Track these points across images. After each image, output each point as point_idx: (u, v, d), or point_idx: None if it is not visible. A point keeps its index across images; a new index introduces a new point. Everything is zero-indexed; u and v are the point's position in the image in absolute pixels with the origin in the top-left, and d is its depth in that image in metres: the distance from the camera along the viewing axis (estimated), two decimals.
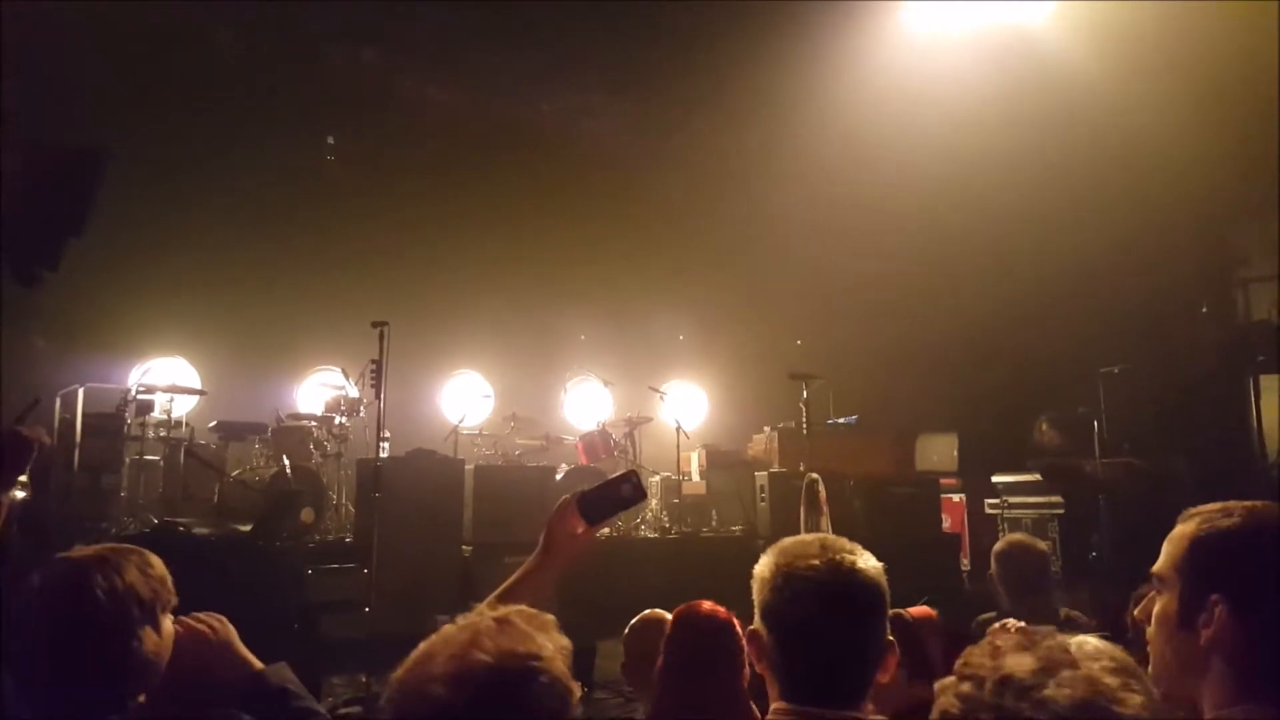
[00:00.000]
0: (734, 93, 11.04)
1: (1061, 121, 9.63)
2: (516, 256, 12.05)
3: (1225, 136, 8.60)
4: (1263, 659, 1.64)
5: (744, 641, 2.15)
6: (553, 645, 1.35)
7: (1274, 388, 8.79)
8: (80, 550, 1.99)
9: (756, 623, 1.87)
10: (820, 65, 10.26)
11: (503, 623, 1.34)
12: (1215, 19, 8.13)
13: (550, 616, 1.42)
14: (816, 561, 1.80)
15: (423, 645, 1.33)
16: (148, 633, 1.93)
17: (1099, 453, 9.44)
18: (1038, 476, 9.45)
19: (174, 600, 2.03)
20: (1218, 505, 1.81)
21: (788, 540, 1.91)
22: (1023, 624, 2.60)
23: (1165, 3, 8.33)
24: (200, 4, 9.91)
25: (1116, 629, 3.20)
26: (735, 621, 2.52)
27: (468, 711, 1.24)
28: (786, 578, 1.81)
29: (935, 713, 1.05)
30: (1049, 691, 1.00)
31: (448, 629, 1.35)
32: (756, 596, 1.88)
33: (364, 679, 6.30)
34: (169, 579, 2.04)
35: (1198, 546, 1.77)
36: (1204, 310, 10.01)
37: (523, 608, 1.41)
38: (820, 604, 1.77)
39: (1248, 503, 1.79)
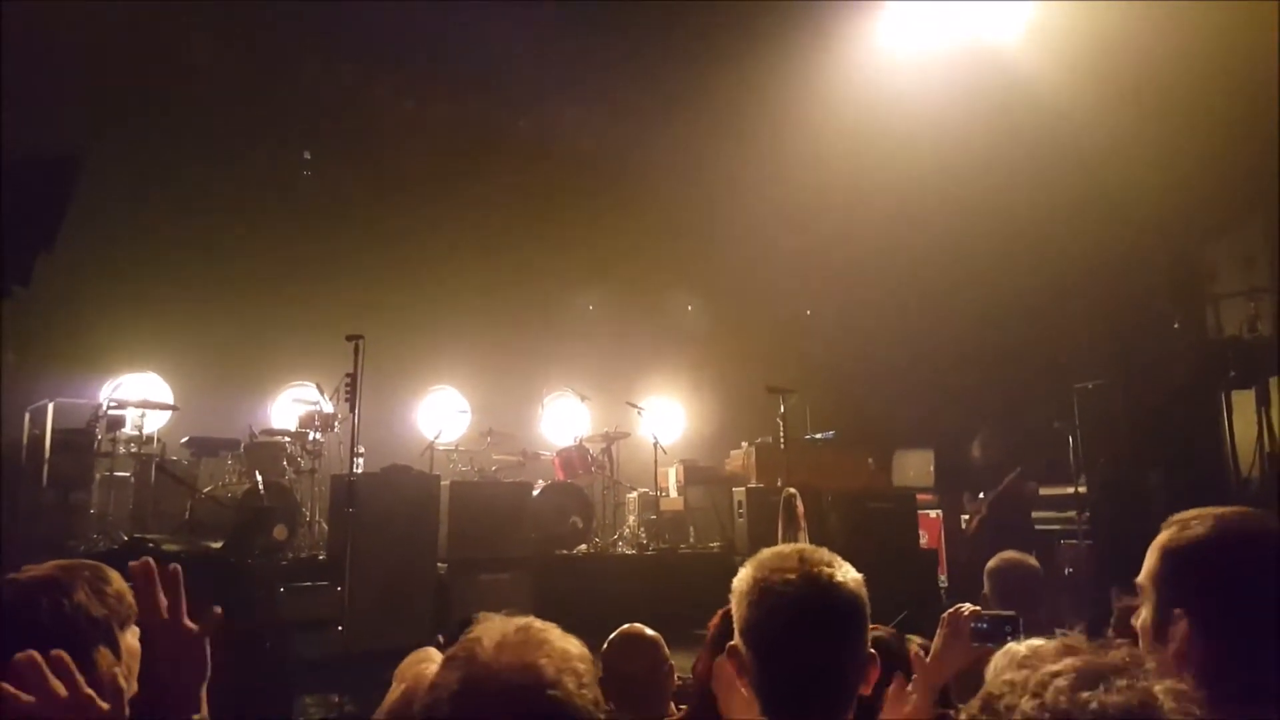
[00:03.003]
0: (710, 108, 11.09)
1: (1034, 138, 9.71)
2: (493, 270, 12.03)
3: (1196, 153, 8.69)
4: (1224, 673, 1.62)
5: None
6: (586, 658, 1.36)
7: (1246, 404, 8.86)
8: (30, 570, 1.93)
9: (736, 638, 1.83)
10: (795, 82, 10.32)
11: (545, 633, 1.35)
12: (1185, 38, 8.23)
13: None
14: (793, 575, 1.77)
15: (468, 647, 1.31)
16: (103, 653, 1.87)
17: (1073, 468, 9.52)
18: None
19: (135, 614, 1.97)
20: (1193, 513, 1.80)
21: (766, 552, 1.88)
22: (976, 607, 2.57)
23: (1136, 22, 8.43)
24: (175, 15, 9.86)
25: None
26: None
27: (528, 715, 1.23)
28: (763, 592, 1.78)
29: None
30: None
31: (492, 632, 1.33)
32: (735, 611, 1.84)
33: (337, 699, 6.22)
34: (129, 594, 1.97)
35: (1166, 558, 1.77)
36: (1176, 326, 10.09)
37: (533, 620, 1.40)
38: (798, 619, 1.74)
39: (1220, 510, 1.78)
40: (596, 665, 1.39)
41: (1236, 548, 1.72)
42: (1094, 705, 0.94)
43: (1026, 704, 0.98)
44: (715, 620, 2.71)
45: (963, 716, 1.06)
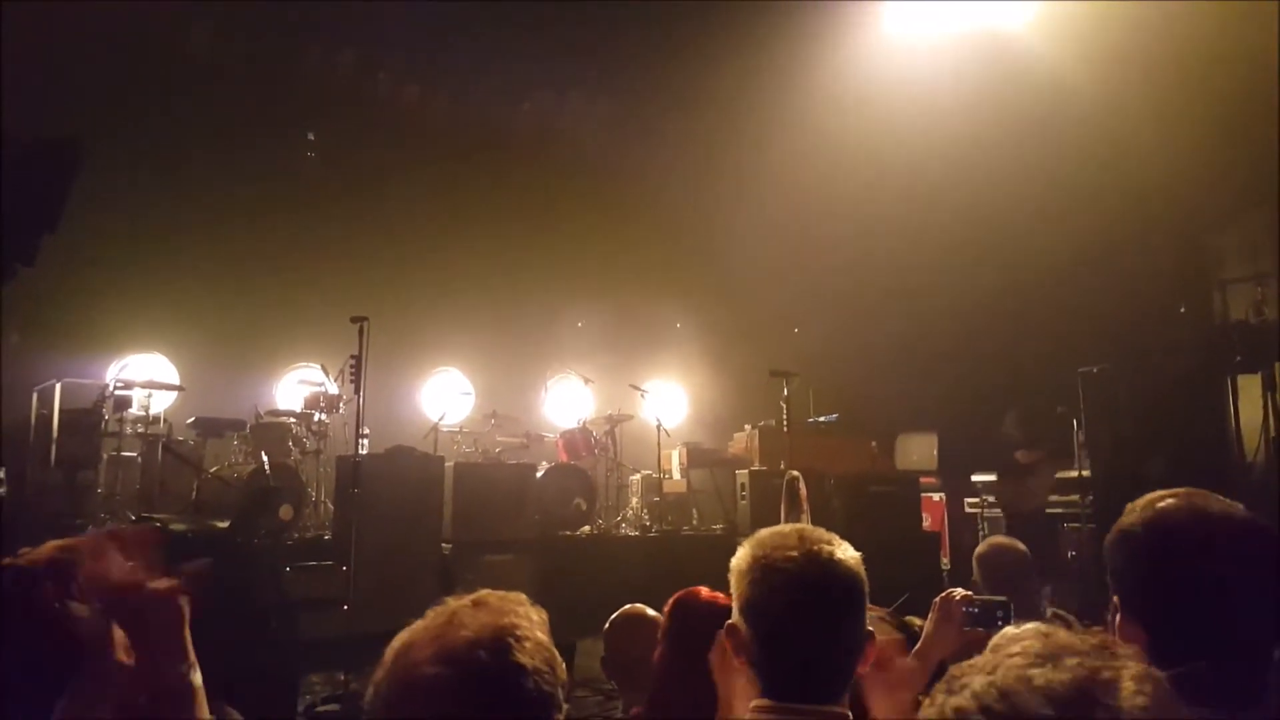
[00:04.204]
0: (715, 94, 11.05)
1: (1041, 124, 9.68)
2: (497, 253, 12.03)
3: (1202, 139, 8.66)
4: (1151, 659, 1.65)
5: None
6: (529, 616, 1.37)
7: (1251, 388, 8.85)
8: (28, 554, 1.92)
9: (735, 616, 1.85)
10: (802, 68, 10.30)
11: (477, 604, 1.37)
12: (1193, 24, 8.19)
13: (521, 594, 1.43)
14: (794, 553, 1.79)
15: (400, 638, 1.34)
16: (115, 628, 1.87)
17: (1076, 452, 9.50)
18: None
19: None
20: (1150, 495, 1.83)
21: (765, 531, 1.90)
22: (968, 593, 2.57)
23: (1144, 7, 8.39)
24: (179, 1, 9.86)
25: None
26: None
27: (459, 685, 1.25)
28: (764, 569, 1.80)
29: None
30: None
31: (419, 621, 1.36)
32: (734, 589, 1.86)
33: (342, 677, 6.27)
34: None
35: (1109, 541, 1.83)
36: (1182, 311, 10.07)
37: (492, 590, 1.41)
38: (798, 595, 1.76)
39: (1173, 494, 1.80)
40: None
41: (1156, 535, 1.73)
42: (1039, 682, 0.93)
43: (978, 682, 0.96)
44: (667, 609, 2.68)
45: (924, 700, 1.05)
